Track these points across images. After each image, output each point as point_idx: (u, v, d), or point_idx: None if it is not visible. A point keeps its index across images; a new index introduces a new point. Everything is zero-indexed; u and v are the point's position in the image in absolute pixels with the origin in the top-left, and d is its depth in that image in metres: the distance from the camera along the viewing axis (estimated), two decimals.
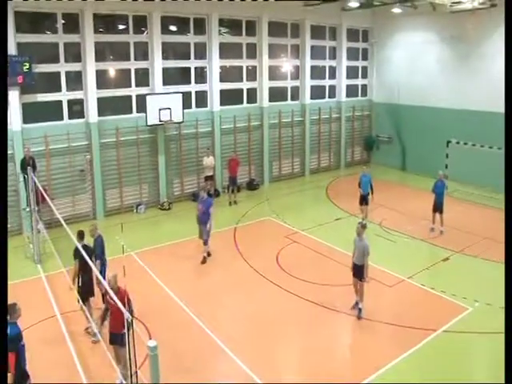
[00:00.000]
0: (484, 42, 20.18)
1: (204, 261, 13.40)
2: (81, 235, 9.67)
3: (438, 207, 15.44)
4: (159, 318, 10.29)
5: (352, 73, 24.82)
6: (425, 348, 9.36)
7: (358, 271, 10.51)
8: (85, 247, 9.34)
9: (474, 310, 10.79)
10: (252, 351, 9.34)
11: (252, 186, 20.72)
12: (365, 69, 25.58)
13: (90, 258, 9.01)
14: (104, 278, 9.49)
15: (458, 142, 19.42)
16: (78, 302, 9.63)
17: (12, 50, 14.72)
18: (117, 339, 7.84)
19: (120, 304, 6.77)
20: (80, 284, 9.55)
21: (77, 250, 9.33)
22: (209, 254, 13.67)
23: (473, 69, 20.72)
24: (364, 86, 25.68)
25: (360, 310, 10.57)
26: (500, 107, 19.63)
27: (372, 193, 16.05)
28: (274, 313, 10.76)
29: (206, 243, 13.43)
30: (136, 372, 7.11)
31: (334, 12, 22.55)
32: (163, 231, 15.97)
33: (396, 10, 21.34)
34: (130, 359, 7.00)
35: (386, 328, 10.18)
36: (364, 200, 16.14)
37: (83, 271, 9.37)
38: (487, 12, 18.86)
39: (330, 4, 20.71)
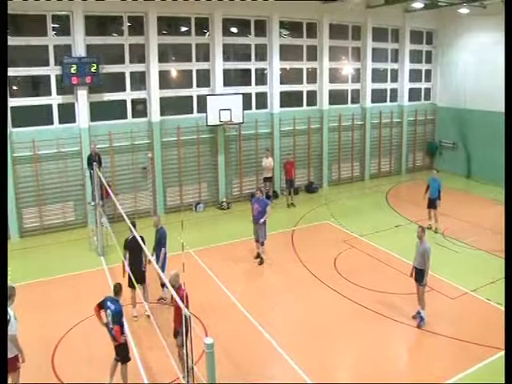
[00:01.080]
0: None
1: (261, 261, 13.41)
2: (133, 226, 10.24)
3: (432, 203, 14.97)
4: (215, 315, 10.39)
5: (415, 76, 24.10)
6: (489, 367, 8.84)
7: (419, 275, 10.21)
8: (134, 238, 9.90)
9: None
10: (307, 355, 9.22)
11: (310, 189, 20.56)
12: (428, 72, 24.77)
13: (140, 249, 9.68)
14: (163, 268, 10.18)
15: None
16: (129, 286, 10.22)
17: (82, 51, 15.41)
18: (177, 334, 8.10)
19: (179, 301, 6.89)
20: (131, 272, 10.07)
21: (126, 241, 10.29)
22: (258, 256, 13.55)
23: None
24: (427, 90, 24.87)
25: (422, 318, 10.22)
26: None
27: (439, 198, 15.59)
28: (331, 318, 10.59)
29: (262, 244, 13.41)
30: (192, 368, 7.17)
31: (397, 14, 22.00)
32: (221, 230, 16.10)
33: (463, 10, 20.53)
34: (186, 355, 7.08)
35: (446, 342, 9.72)
36: (432, 204, 15.76)
37: (133, 260, 10.04)
38: None
39: (393, 5, 20.22)
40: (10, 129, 14.90)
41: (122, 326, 7.78)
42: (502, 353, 9.15)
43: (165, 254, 10.67)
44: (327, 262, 13.38)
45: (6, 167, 10.19)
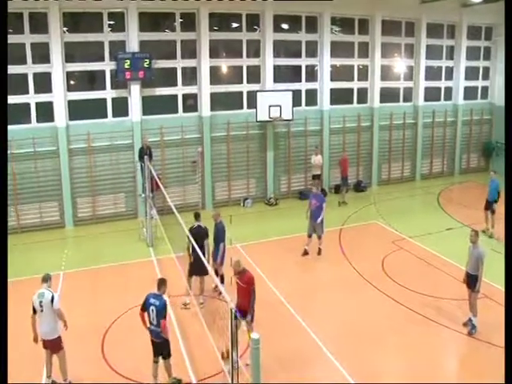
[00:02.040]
0: None
1: (319, 252, 13.76)
2: (196, 216, 10.83)
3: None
4: (260, 311, 10.19)
5: (471, 74, 23.21)
6: None
7: (471, 281, 9.86)
8: (199, 227, 10.51)
9: None
10: (352, 356, 9.09)
11: (359, 187, 20.26)
12: (486, 69, 23.79)
13: (203, 239, 10.20)
14: (222, 260, 10.72)
15: None
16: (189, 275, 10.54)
17: (135, 47, 15.79)
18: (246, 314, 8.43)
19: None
20: (191, 261, 10.37)
21: (191, 229, 10.34)
22: (306, 253, 13.69)
23: None
24: (484, 88, 23.90)
25: (473, 325, 9.86)
26: None
27: (497, 201, 15.02)
28: (378, 319, 10.40)
29: (319, 238, 13.73)
30: (237, 362, 7.20)
31: (453, 8, 21.18)
32: (269, 226, 16.13)
33: None
34: (232, 348, 7.12)
35: (498, 351, 9.18)
36: (489, 206, 15.26)
37: (193, 250, 10.03)
38: None
39: (450, 0, 19.52)
40: (68, 121, 15.50)
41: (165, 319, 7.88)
42: None
43: (224, 247, 10.89)
44: (375, 263, 13.16)
45: (6, 167, 10.56)
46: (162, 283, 8.00)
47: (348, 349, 9.34)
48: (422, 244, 14.49)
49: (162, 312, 7.73)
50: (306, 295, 11.47)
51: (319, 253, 13.76)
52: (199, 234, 10.28)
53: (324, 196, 15.06)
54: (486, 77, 23.83)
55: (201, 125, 17.15)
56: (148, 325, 7.92)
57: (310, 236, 13.69)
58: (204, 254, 10.19)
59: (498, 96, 23.60)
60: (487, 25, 23.16)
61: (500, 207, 15.63)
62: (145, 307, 7.86)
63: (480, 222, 15.54)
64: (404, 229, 15.68)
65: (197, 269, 10.17)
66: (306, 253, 13.69)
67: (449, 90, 22.86)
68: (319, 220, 13.45)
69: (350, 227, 15.76)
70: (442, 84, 22.70)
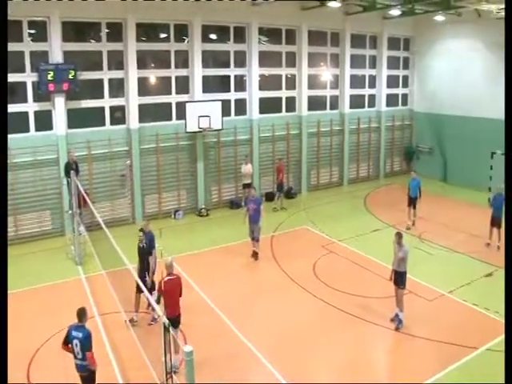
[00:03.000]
0: None
1: (256, 257, 14.03)
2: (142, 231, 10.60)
3: (495, 222, 14.87)
4: (195, 323, 10.27)
5: (392, 82, 24.47)
6: (465, 366, 9.04)
7: (398, 278, 10.36)
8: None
9: None
10: (286, 360, 9.27)
11: (290, 194, 20.57)
12: (405, 78, 25.19)
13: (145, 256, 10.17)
14: (153, 270, 10.49)
15: (503, 154, 18.78)
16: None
17: (59, 58, 15.28)
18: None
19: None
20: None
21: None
22: (256, 254, 14.08)
23: None
24: (405, 96, 25.27)
25: (400, 320, 10.37)
26: None
27: (419, 196, 16.46)
28: (309, 322, 10.66)
29: (257, 240, 14.05)
30: (171, 376, 7.16)
31: (375, 20, 22.35)
32: (200, 237, 16.03)
33: (439, 17, 20.94)
34: (165, 361, 7.07)
35: (424, 343, 9.89)
36: (412, 203, 16.59)
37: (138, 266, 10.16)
38: None
39: (371, 13, 20.49)
40: None
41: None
42: (477, 352, 9.44)
43: (155, 258, 10.75)
44: (306, 267, 13.46)
45: (6, 170, 10.09)
46: (82, 314, 7.40)
47: (280, 351, 9.51)
48: (350, 246, 15.01)
49: (86, 344, 7.19)
50: (239, 302, 11.54)
51: (255, 256, 14.10)
52: (141, 250, 10.28)
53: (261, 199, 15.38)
54: (405, 85, 25.20)
55: (129, 137, 16.86)
56: (73, 359, 7.36)
57: (252, 239, 14.19)
58: (148, 269, 10.23)
59: (416, 103, 25.02)
60: (405, 36, 24.55)
61: (421, 207, 16.79)
62: (67, 340, 7.31)
63: (403, 222, 16.53)
64: (333, 232, 16.17)
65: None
66: (255, 254, 14.14)
67: (372, 98, 23.96)
68: (260, 223, 13.94)
69: (281, 233, 16.04)
70: (366, 92, 23.75)
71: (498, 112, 20.60)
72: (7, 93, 7.92)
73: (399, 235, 10.41)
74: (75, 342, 7.20)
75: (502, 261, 13.71)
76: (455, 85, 22.59)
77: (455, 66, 22.66)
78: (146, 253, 10.33)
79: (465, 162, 22.08)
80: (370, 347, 9.93)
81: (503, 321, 10.54)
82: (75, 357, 7.30)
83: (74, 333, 7.25)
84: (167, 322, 6.90)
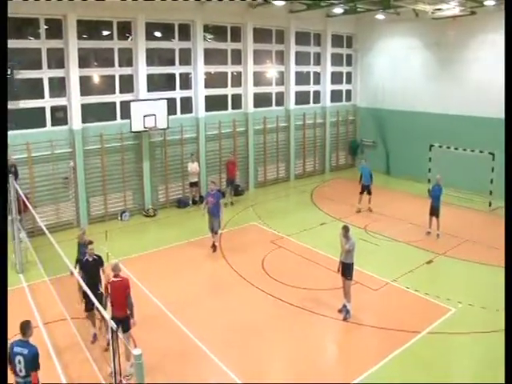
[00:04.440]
0: (464, 47, 20.56)
1: (215, 249, 14.40)
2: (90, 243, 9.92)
3: (434, 211, 15.56)
4: (144, 326, 10.08)
5: (336, 78, 25.05)
6: (409, 350, 9.46)
7: (345, 270, 10.63)
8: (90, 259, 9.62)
9: (458, 310, 10.94)
10: (236, 356, 9.35)
11: (237, 191, 20.54)
12: (349, 74, 25.84)
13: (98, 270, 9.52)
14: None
15: (440, 146, 19.64)
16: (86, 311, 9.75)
17: None
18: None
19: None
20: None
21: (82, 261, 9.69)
22: (214, 246, 14.40)
23: (454, 74, 21.08)
24: (348, 92, 25.92)
25: (348, 311, 10.66)
26: (480, 111, 20.12)
27: (371, 182, 17.80)
28: (259, 317, 10.76)
29: (216, 233, 14.40)
30: (121, 381, 7.11)
31: (319, 18, 22.78)
32: (148, 238, 15.86)
33: (379, 16, 21.62)
34: (114, 370, 7.00)
35: (371, 331, 10.25)
36: (366, 189, 17.80)
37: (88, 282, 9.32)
38: (467, 19, 19.19)
39: (315, 11, 20.86)
40: None
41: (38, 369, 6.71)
42: (422, 334, 9.90)
43: None
44: (255, 263, 13.57)
45: (7, 170, 9.60)
46: (26, 327, 6.73)
47: (231, 348, 9.56)
48: (298, 241, 15.27)
49: (32, 362, 6.56)
50: (188, 301, 11.47)
51: (214, 249, 14.40)
52: (93, 265, 9.57)
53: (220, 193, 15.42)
54: (349, 81, 25.85)
55: (72, 138, 16.36)
56: (14, 376, 6.72)
57: (212, 230, 14.47)
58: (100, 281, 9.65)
59: (359, 98, 25.72)
60: (348, 34, 25.17)
61: (365, 199, 17.39)
62: (11, 359, 6.59)
63: (349, 215, 17.10)
64: (281, 228, 16.38)
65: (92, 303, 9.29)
66: (214, 246, 14.48)
67: (317, 94, 24.40)
68: (221, 216, 14.39)
69: (229, 231, 16.00)
70: (311, 88, 24.15)
71: (436, 106, 21.67)
72: (7, 92, 7.58)
73: (346, 228, 10.68)
74: (18, 358, 6.56)
75: (441, 248, 14.58)
76: (395, 81, 23.43)
77: (395, 63, 23.48)
78: (98, 264, 9.64)
79: (406, 155, 22.94)
80: (319, 338, 10.14)
81: (443, 304, 11.18)
82: (16, 374, 6.67)
83: (17, 348, 6.62)
84: (114, 326, 6.83)
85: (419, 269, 13.25)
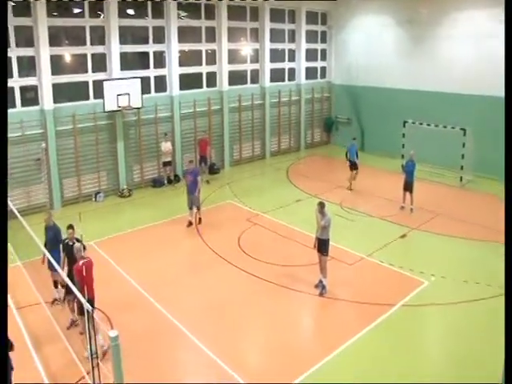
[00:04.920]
0: (436, 25, 20.70)
1: (200, 221, 14.89)
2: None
3: (408, 186, 15.82)
4: (122, 308, 10.18)
5: (311, 55, 24.98)
6: (384, 322, 9.70)
7: (321, 246, 10.75)
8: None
9: (431, 283, 11.22)
10: (215, 333, 9.42)
11: (213, 170, 20.44)
12: (324, 51, 25.79)
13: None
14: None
15: (413, 122, 19.89)
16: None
17: None
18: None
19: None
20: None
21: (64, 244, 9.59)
22: (190, 224, 14.70)
23: (426, 51, 21.26)
24: (323, 69, 25.90)
25: (324, 286, 10.82)
26: (451, 88, 20.39)
27: (357, 159, 18.18)
28: (236, 295, 10.86)
29: (198, 209, 14.85)
30: (98, 364, 7.12)
31: None
32: (123, 219, 15.74)
33: None
34: (91, 352, 7.01)
35: (347, 305, 10.47)
36: (354, 166, 18.07)
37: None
38: None
39: None
40: None
41: None
42: (396, 307, 10.18)
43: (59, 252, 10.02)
44: (231, 241, 13.63)
45: (6, 165, 9.30)
46: None
47: (208, 327, 9.62)
48: (274, 218, 15.37)
49: None
50: (165, 280, 11.46)
51: (199, 222, 14.85)
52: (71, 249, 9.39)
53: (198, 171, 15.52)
54: (323, 58, 25.82)
55: (43, 119, 15.99)
56: None
57: (190, 208, 14.75)
58: None
59: (334, 75, 25.76)
60: (322, 11, 25.03)
61: (340, 176, 17.83)
62: None
63: (324, 192, 17.31)
64: (257, 205, 16.46)
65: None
66: (190, 223, 14.73)
67: (292, 71, 24.33)
68: (196, 193, 14.49)
69: (205, 209, 15.83)
70: (286, 65, 24.06)
71: (409, 83, 21.86)
72: (7, 91, 7.34)
73: (322, 204, 10.77)
74: None
75: (414, 222, 14.90)
76: (370, 58, 23.50)
77: (369, 40, 23.53)
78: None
79: (380, 131, 23.17)
80: (295, 314, 10.29)
81: (417, 277, 11.48)
82: None
83: None
84: (90, 307, 6.85)
85: (393, 243, 13.52)
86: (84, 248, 8.83)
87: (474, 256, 12.75)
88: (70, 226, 9.62)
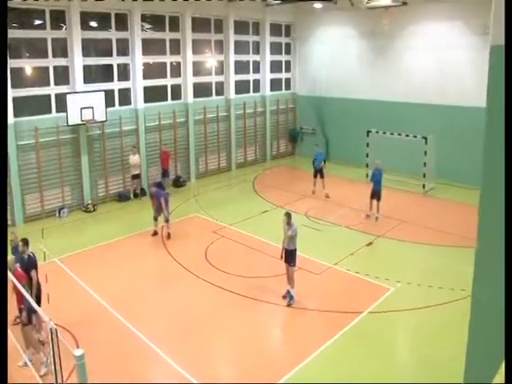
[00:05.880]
0: (397, 37, 21.28)
1: (168, 237, 14.79)
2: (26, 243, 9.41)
3: (375, 195, 16.07)
4: (87, 324, 9.97)
5: (276, 67, 25.24)
6: (351, 330, 9.79)
7: (289, 256, 10.80)
8: (29, 257, 9.23)
9: (396, 289, 11.41)
10: (183, 348, 9.32)
11: (178, 183, 20.35)
12: (288, 63, 26.11)
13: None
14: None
15: (377, 132, 20.28)
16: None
17: None
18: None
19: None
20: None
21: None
22: (169, 236, 14.81)
23: (387, 62, 21.84)
24: (288, 80, 26.21)
25: (292, 296, 10.85)
26: (412, 98, 21.00)
27: (324, 166, 18.87)
28: (204, 308, 10.79)
29: (167, 221, 14.89)
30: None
31: (257, 7, 22.85)
32: (88, 234, 15.44)
33: (316, 5, 21.91)
34: (55, 370, 6.84)
35: (315, 315, 10.57)
36: (319, 173, 18.63)
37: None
38: (399, 9, 19.84)
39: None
40: None
41: None
42: (363, 314, 10.33)
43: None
44: (198, 254, 13.51)
45: (6, 166, 8.90)
46: None
47: (180, 344, 9.45)
48: (241, 229, 15.34)
49: None
50: (132, 298, 11.23)
51: (168, 237, 14.77)
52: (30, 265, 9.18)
53: (162, 189, 15.42)
54: (288, 70, 26.15)
55: None
56: None
57: (155, 219, 14.93)
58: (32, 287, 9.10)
59: (298, 86, 26.12)
60: (287, 23, 25.42)
61: (305, 186, 18.28)
62: None
63: (291, 202, 17.43)
64: (224, 218, 16.40)
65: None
66: (155, 233, 14.94)
67: (257, 83, 24.53)
68: (164, 212, 14.69)
69: (172, 222, 15.48)
70: (251, 77, 24.23)
71: (371, 93, 22.38)
72: (7, 90, 7.06)
73: (288, 215, 10.85)
74: None
75: (380, 230, 15.15)
76: (333, 69, 23.94)
77: (332, 51, 23.97)
78: (31, 263, 9.23)
79: (344, 141, 23.53)
80: (264, 325, 10.28)
81: (383, 284, 11.65)
82: None
83: None
84: (54, 326, 6.69)
85: (359, 251, 13.71)
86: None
87: (438, 261, 13.05)
88: (22, 240, 9.41)
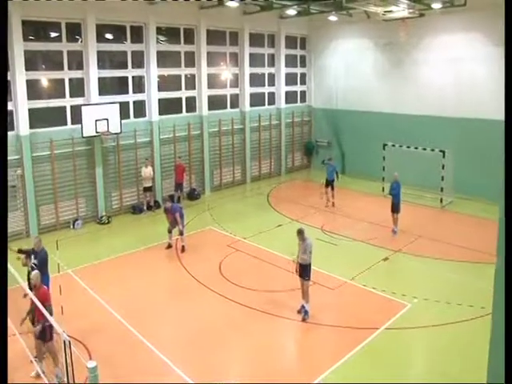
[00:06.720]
0: (413, 49, 21.11)
1: (183, 250, 14.70)
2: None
3: (395, 208, 15.85)
4: (100, 337, 9.91)
5: (291, 79, 25.20)
6: (368, 346, 9.57)
7: (303, 271, 10.65)
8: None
9: (413, 305, 11.15)
10: (197, 363, 9.17)
11: (193, 195, 20.34)
12: (303, 75, 26.07)
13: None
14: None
15: (393, 145, 20.06)
16: None
17: None
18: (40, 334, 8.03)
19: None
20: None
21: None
22: (183, 249, 14.72)
23: (404, 74, 21.65)
24: (303, 93, 26.15)
25: (306, 311, 10.68)
26: (429, 110, 20.78)
27: (337, 178, 18.86)
28: (218, 322, 10.64)
29: (182, 234, 14.77)
30: None
31: (272, 20, 22.90)
32: (102, 246, 15.43)
33: (332, 17, 21.86)
34: (67, 376, 6.75)
35: (330, 330, 10.33)
36: (330, 184, 18.77)
37: None
38: (416, 21, 19.70)
39: (268, 12, 20.88)
40: None
41: None
42: (380, 330, 10.08)
43: (48, 279, 9.85)
44: (212, 268, 13.42)
45: (6, 168, 9.05)
46: None
47: (193, 358, 9.33)
48: (255, 243, 15.21)
49: None
50: (146, 311, 11.17)
51: (182, 250, 14.68)
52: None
53: (176, 203, 15.74)
54: (303, 82, 26.09)
55: (19, 144, 15.65)
56: None
57: (170, 232, 14.84)
58: None
59: (314, 99, 26.02)
60: (302, 35, 25.41)
61: (316, 201, 18.03)
62: None
63: (305, 216, 17.23)
64: (238, 231, 16.28)
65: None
66: (169, 246, 14.90)
67: (272, 95, 24.49)
68: (180, 226, 14.63)
69: (186, 235, 15.40)
70: (266, 90, 24.21)
71: (388, 106, 22.21)
72: (7, 92, 7.10)
73: (300, 231, 10.70)
74: None
75: (396, 245, 14.88)
76: (349, 81, 23.82)
77: (348, 63, 23.87)
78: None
79: (360, 154, 23.34)
80: (278, 340, 10.12)
81: (400, 300, 11.39)
82: None
83: None
84: (68, 339, 6.59)
85: (376, 266, 13.46)
86: None
87: (456, 277, 12.74)
88: (20, 251, 9.62)
